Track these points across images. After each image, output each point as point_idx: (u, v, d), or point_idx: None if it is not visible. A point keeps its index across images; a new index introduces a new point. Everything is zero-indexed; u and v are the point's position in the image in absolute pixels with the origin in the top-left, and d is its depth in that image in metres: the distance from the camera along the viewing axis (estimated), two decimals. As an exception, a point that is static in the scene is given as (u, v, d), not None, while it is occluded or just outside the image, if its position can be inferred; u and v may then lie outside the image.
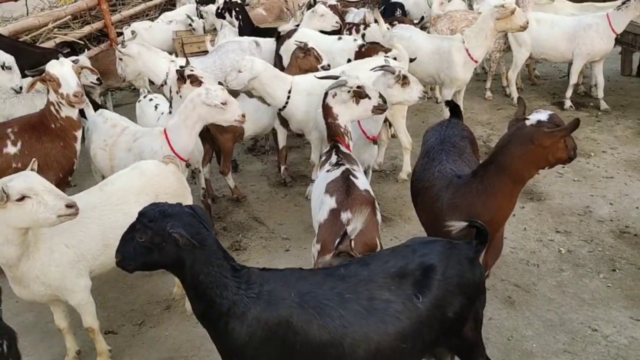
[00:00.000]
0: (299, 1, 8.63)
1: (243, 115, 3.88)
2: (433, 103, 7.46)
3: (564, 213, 4.72)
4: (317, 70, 5.24)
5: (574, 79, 6.83)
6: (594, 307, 3.59)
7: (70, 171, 4.29)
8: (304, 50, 5.31)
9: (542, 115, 2.68)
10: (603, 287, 3.77)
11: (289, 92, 4.83)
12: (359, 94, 3.50)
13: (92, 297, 3.21)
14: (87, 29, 8.51)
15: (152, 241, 2.23)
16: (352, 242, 2.61)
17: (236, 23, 7.12)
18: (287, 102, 4.85)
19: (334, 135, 3.55)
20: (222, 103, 3.77)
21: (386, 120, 5.02)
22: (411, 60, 5.50)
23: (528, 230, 4.50)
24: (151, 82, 6.42)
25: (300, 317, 2.16)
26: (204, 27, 8.37)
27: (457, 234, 2.54)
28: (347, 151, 3.45)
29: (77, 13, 8.81)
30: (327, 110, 3.57)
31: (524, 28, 5.71)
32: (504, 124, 6.71)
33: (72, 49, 7.09)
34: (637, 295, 3.65)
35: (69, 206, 2.73)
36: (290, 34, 6.16)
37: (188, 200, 3.49)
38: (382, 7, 8.11)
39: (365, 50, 5.79)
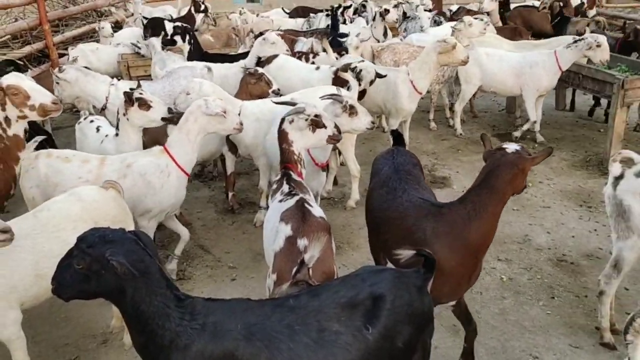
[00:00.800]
0: (248, 28, 8.67)
1: (241, 123, 4.00)
2: (380, 132, 7.61)
3: (505, 241, 4.86)
4: (267, 95, 5.24)
5: (532, 115, 6.98)
6: (535, 334, 3.68)
7: (6, 196, 4.05)
8: (256, 75, 5.31)
9: (516, 146, 2.97)
10: (543, 314, 3.88)
11: (238, 116, 4.80)
12: (316, 123, 3.50)
13: (23, 331, 3.00)
14: (27, 49, 8.21)
15: (90, 268, 2.14)
16: (310, 270, 2.57)
17: (187, 48, 7.03)
18: None
19: (287, 161, 3.52)
20: (222, 112, 3.87)
21: (335, 147, 5.06)
22: (380, 76, 5.68)
23: (472, 259, 4.60)
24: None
25: (246, 350, 2.09)
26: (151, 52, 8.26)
27: (405, 263, 2.57)
28: (299, 179, 3.42)
29: (17, 33, 8.50)
30: (282, 135, 3.55)
31: (464, 62, 5.97)
32: (447, 153, 6.92)
33: (17, 68, 6.80)
34: (575, 322, 3.79)
35: (3, 231, 2.57)
36: (270, 59, 6.18)
37: (129, 227, 3.35)
38: (330, 38, 8.30)
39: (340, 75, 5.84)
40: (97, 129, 4.81)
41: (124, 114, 4.25)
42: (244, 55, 6.95)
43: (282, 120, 3.56)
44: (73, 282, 2.19)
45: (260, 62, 6.29)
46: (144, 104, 4.17)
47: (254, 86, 5.32)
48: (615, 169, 3.33)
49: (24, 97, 3.74)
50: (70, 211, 3.15)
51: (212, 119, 3.91)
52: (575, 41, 6.61)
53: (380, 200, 3.25)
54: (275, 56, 6.27)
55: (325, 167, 4.28)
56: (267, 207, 5.33)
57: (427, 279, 2.44)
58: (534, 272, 4.39)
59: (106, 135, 4.67)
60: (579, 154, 6.78)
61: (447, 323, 3.77)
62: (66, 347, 3.70)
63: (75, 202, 3.21)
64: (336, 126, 3.62)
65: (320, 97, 4.15)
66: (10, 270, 2.85)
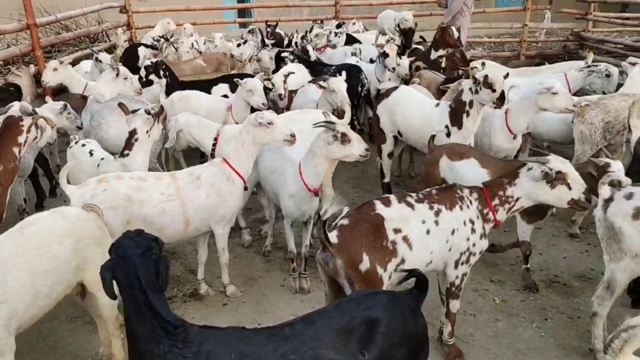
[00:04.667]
0: (240, 58, 8.69)
1: (292, 135, 4.06)
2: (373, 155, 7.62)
3: (497, 263, 4.87)
4: None
5: None
6: (529, 356, 3.67)
7: None
8: None
9: None
10: (537, 336, 3.87)
11: (215, 139, 5.06)
12: (550, 177, 3.24)
13: (12, 360, 2.94)
14: (19, 75, 8.21)
15: None
16: (333, 234, 2.93)
17: (164, 82, 6.76)
18: (213, 149, 5.06)
19: (489, 185, 3.44)
20: (267, 123, 4.01)
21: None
22: None
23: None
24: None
25: (240, 380, 2.07)
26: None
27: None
28: (467, 195, 3.37)
29: (9, 59, 8.53)
30: (512, 174, 3.44)
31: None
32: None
33: (18, 91, 6.81)
34: (569, 344, 3.78)
35: None
36: (388, 92, 5.76)
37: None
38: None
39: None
40: (90, 153, 4.82)
41: (147, 132, 4.50)
42: (223, 78, 7.01)
43: (524, 164, 3.44)
44: None
45: (379, 95, 6.01)
46: (165, 119, 4.62)
47: None
48: (604, 191, 3.36)
49: (45, 120, 4.40)
50: (57, 226, 3.14)
51: (260, 130, 4.06)
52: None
53: None
54: (395, 88, 5.79)
55: (318, 192, 4.25)
56: (245, 227, 5.34)
57: (420, 300, 2.44)
58: (526, 294, 4.39)
59: (102, 159, 4.68)
60: (568, 176, 6.82)
61: (441, 346, 3.75)
62: (55, 376, 3.64)
63: (60, 219, 3.21)
64: (586, 191, 3.31)
65: (313, 125, 4.13)
66: (11, 294, 2.78)
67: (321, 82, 5.86)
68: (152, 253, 2.30)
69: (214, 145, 5.05)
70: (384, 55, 7.12)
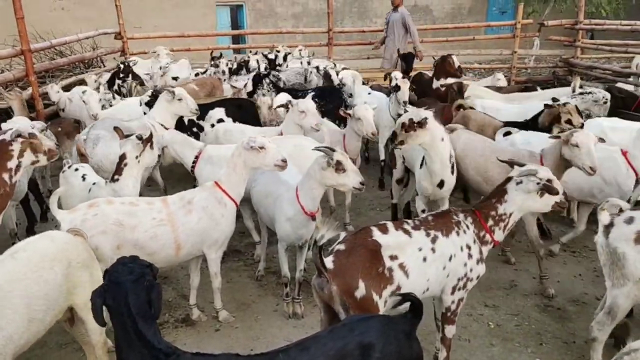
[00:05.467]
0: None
1: (284, 160, 4.06)
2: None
3: (491, 287, 4.85)
4: None
5: None
6: (525, 382, 3.63)
7: None
8: None
9: None
10: (532, 361, 3.84)
11: (196, 157, 5.20)
12: (548, 189, 3.29)
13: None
14: (12, 99, 8.22)
15: None
16: (328, 259, 2.92)
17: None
18: (193, 166, 5.22)
19: (479, 208, 3.45)
20: (259, 147, 4.02)
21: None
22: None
23: (459, 305, 4.57)
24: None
25: (233, 407, 2.04)
26: None
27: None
28: (462, 219, 3.36)
29: (3, 84, 8.56)
30: (499, 191, 3.45)
31: None
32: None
33: (7, 115, 6.83)
34: (564, 369, 3.75)
35: None
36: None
37: (97, 270, 3.34)
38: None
39: None
40: (83, 177, 4.80)
41: (136, 157, 4.48)
42: (220, 102, 7.08)
43: (509, 178, 3.45)
44: None
45: None
46: (152, 143, 4.56)
47: None
48: (604, 217, 3.36)
49: (41, 144, 4.14)
50: (47, 250, 3.12)
51: (251, 154, 4.06)
52: None
53: None
54: None
55: (315, 216, 4.24)
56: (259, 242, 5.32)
57: (414, 324, 2.42)
58: (521, 318, 4.37)
59: (94, 183, 4.66)
60: (560, 200, 6.86)
61: (436, 372, 3.71)
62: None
63: (49, 243, 3.19)
64: (564, 193, 3.40)
65: (312, 149, 4.14)
66: (7, 320, 2.74)
67: (347, 111, 5.77)
68: (144, 280, 2.28)
69: (194, 162, 5.18)
70: (396, 88, 6.83)
